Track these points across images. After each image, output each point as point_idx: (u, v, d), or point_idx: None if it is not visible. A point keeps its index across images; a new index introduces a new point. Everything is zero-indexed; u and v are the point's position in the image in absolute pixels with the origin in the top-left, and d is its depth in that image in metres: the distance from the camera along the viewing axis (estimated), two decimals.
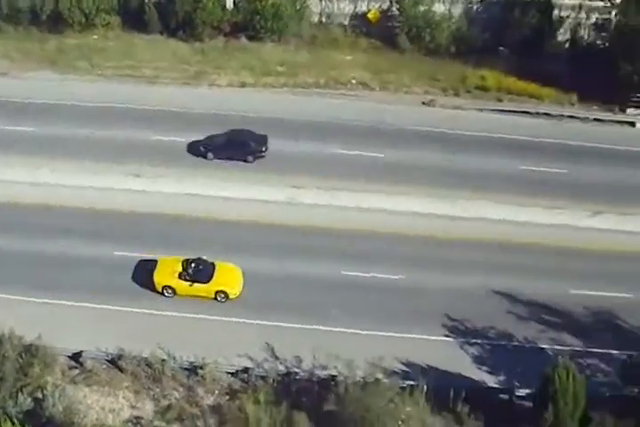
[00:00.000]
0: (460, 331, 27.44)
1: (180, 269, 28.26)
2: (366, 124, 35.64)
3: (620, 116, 37.77)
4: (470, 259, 29.67)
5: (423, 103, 37.57)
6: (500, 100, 37.93)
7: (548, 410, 23.99)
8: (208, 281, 28.08)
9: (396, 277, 28.74)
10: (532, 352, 26.94)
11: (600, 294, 28.77)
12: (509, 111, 37.27)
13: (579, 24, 44.11)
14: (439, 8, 43.27)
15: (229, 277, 28.41)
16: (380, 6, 43.35)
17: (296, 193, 32.17)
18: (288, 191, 32.25)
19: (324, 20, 43.27)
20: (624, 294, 28.84)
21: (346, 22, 43.07)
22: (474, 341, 27.13)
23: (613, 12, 42.17)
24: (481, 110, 37.16)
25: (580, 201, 32.31)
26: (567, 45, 42.95)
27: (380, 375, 25.16)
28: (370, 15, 43.36)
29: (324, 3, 43.63)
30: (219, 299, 28.12)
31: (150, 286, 28.44)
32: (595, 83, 38.81)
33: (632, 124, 37.85)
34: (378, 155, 33.78)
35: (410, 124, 35.77)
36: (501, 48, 41.49)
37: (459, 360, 26.43)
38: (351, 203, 31.67)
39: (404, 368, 26.01)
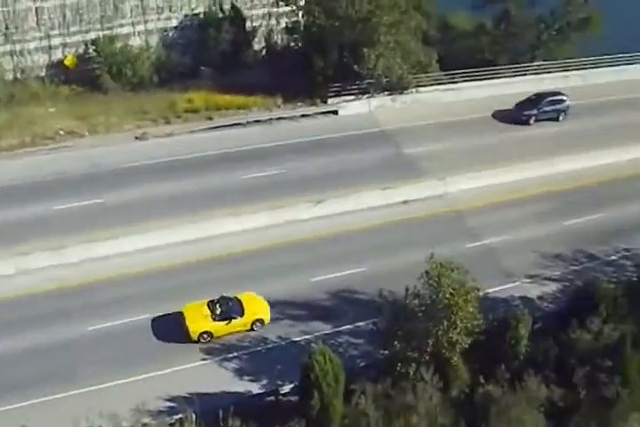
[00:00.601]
0: (216, 349, 27.81)
1: (209, 312, 28.17)
2: (81, 173, 34.88)
3: (323, 108, 40.67)
4: (210, 277, 30.11)
5: (136, 138, 37.64)
6: (210, 119, 39.06)
7: (314, 397, 25.31)
8: (242, 315, 28.37)
9: (142, 316, 28.48)
10: (289, 348, 28.04)
11: (338, 274, 30.72)
12: (221, 127, 38.49)
13: (271, 31, 47.13)
14: (135, 41, 43.71)
15: (258, 305, 29.02)
16: (75, 51, 42.76)
17: (22, 260, 30.52)
18: (14, 260, 30.48)
19: (19, 75, 41.80)
20: (359, 269, 31.09)
21: (43, 74, 41.98)
22: (231, 355, 27.66)
23: (300, 14, 45.27)
24: (193, 132, 37.96)
25: (303, 194, 34.05)
26: (264, 52, 45.69)
27: (146, 419, 24.66)
28: (67, 62, 42.54)
29: (15, 58, 42.22)
30: (255, 329, 28.57)
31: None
32: (295, 82, 41.57)
33: (335, 112, 40.94)
34: (97, 201, 33.22)
35: (126, 162, 35.61)
36: (203, 68, 42.93)
37: (221, 378, 26.73)
38: (79, 257, 30.69)
39: (170, 404, 25.79)
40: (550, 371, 28.43)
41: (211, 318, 28.07)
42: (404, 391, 26.48)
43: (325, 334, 28.42)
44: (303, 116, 39.90)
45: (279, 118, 39.43)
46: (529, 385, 27.48)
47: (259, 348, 27.97)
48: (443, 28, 52.70)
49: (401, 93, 42.26)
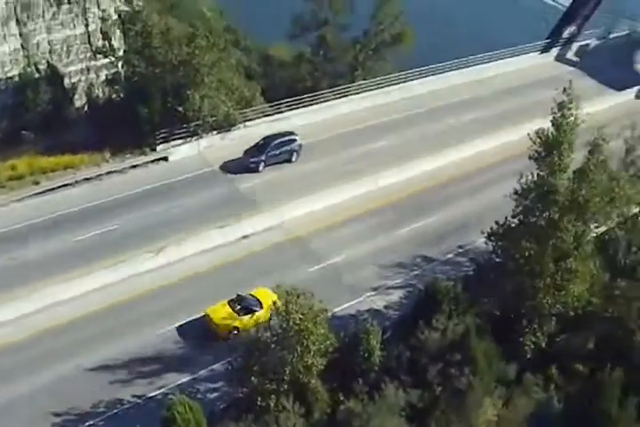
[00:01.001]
0: (70, 421, 26.87)
1: (232, 310, 31.04)
2: None
3: (152, 156, 40.51)
4: (57, 347, 29.13)
5: None
6: (37, 183, 37.92)
7: None
8: (262, 307, 31.23)
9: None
10: (147, 405, 27.64)
11: (185, 321, 30.67)
12: (49, 190, 37.43)
13: (91, 85, 46.64)
14: None
15: (272, 298, 30.06)
16: None
17: None
18: None
19: None
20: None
21: None
22: (87, 423, 26.84)
23: (120, 65, 45.22)
24: (20, 200, 36.65)
25: (140, 246, 33.75)
26: (87, 108, 45.15)
27: None
28: None
29: None
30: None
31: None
32: (122, 134, 41.13)
33: (165, 158, 40.93)
34: None
35: None
36: (24, 132, 41.66)
37: None
38: None
39: None
40: (405, 375, 29.74)
41: (236, 315, 30.85)
42: (268, 424, 26.91)
43: (182, 384, 28.32)
44: (133, 167, 39.60)
45: (109, 173, 38.90)
46: (387, 393, 28.67)
47: (115, 410, 27.36)
48: (264, 60, 54.73)
49: (229, 130, 42.88)
